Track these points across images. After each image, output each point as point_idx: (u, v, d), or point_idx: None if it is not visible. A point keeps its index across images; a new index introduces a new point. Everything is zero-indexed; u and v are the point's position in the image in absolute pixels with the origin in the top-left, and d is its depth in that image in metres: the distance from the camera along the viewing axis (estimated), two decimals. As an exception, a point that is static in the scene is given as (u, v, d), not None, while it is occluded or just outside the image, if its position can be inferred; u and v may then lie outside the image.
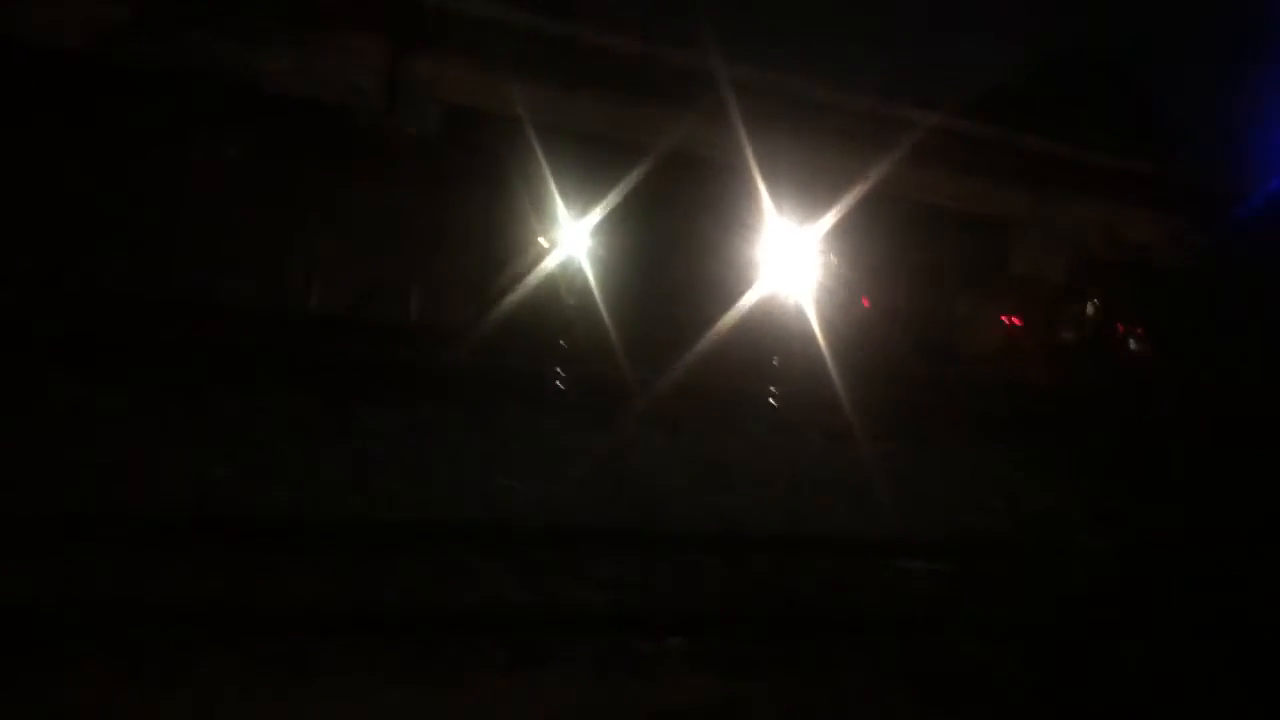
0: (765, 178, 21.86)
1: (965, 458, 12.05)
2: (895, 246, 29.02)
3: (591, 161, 22.17)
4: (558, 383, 16.15)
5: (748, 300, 28.15)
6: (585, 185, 23.27)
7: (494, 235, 24.07)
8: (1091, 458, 9.54)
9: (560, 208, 24.49)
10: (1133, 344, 44.40)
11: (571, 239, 26.76)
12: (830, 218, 23.63)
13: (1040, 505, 9.42)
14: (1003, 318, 30.33)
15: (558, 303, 28.89)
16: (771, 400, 17.01)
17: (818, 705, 4.83)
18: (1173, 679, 2.87)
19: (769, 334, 28.87)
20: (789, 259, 29.37)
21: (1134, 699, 3.00)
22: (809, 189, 23.45)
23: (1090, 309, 46.49)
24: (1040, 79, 35.14)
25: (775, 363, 24.13)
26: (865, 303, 35.23)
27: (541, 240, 27.48)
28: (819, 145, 22.12)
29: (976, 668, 5.25)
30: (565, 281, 29.27)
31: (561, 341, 22.80)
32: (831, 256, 35.42)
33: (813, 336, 23.70)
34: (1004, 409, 19.18)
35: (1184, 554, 2.83)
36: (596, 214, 23.54)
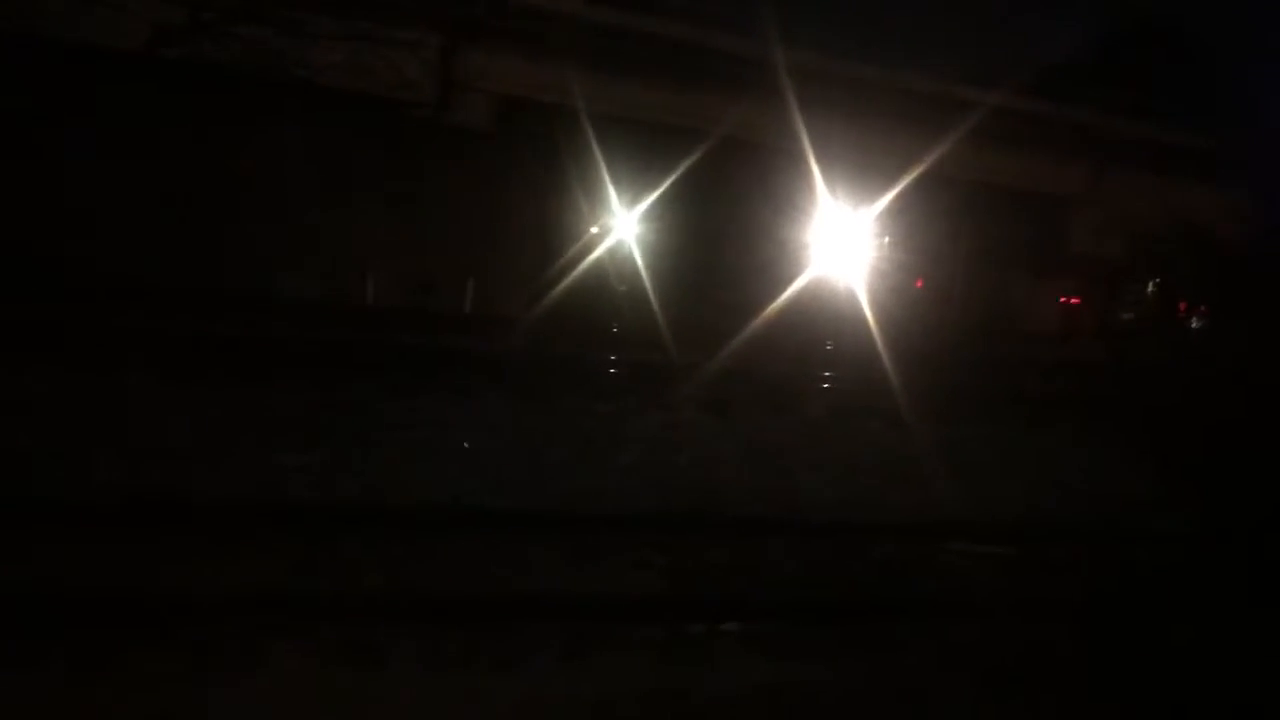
0: (820, 161, 21.70)
1: (1025, 440, 11.88)
2: (952, 227, 28.70)
3: (644, 148, 22.20)
4: (610, 370, 16.24)
5: (801, 284, 28.03)
6: (638, 172, 23.32)
7: (547, 224, 24.26)
8: (1156, 440, 9.34)
9: (613, 195, 24.56)
10: (1195, 322, 43.41)
11: (624, 226, 26.84)
12: (885, 200, 23.42)
13: (1104, 488, 9.29)
14: (1061, 297, 29.82)
15: (610, 289, 29.01)
16: (825, 384, 16.89)
17: (877, 689, 4.83)
18: (1234, 663, 2.83)
19: (823, 318, 28.73)
20: (843, 242, 29.18)
21: (1196, 683, 2.97)
22: (864, 171, 23.25)
23: (1151, 287, 45.53)
24: (1099, 54, 34.39)
25: (829, 346, 23.98)
26: (920, 284, 34.86)
27: (594, 228, 27.58)
28: (873, 127, 21.91)
29: (1038, 651, 5.21)
30: (617, 268, 29.39)
31: (614, 327, 22.91)
32: (886, 239, 35.10)
33: (866, 320, 23.50)
34: (1063, 390, 18.88)
35: (1251, 539, 2.79)
36: (649, 200, 23.58)
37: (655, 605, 5.63)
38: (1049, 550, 7.23)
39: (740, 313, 20.76)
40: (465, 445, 8.94)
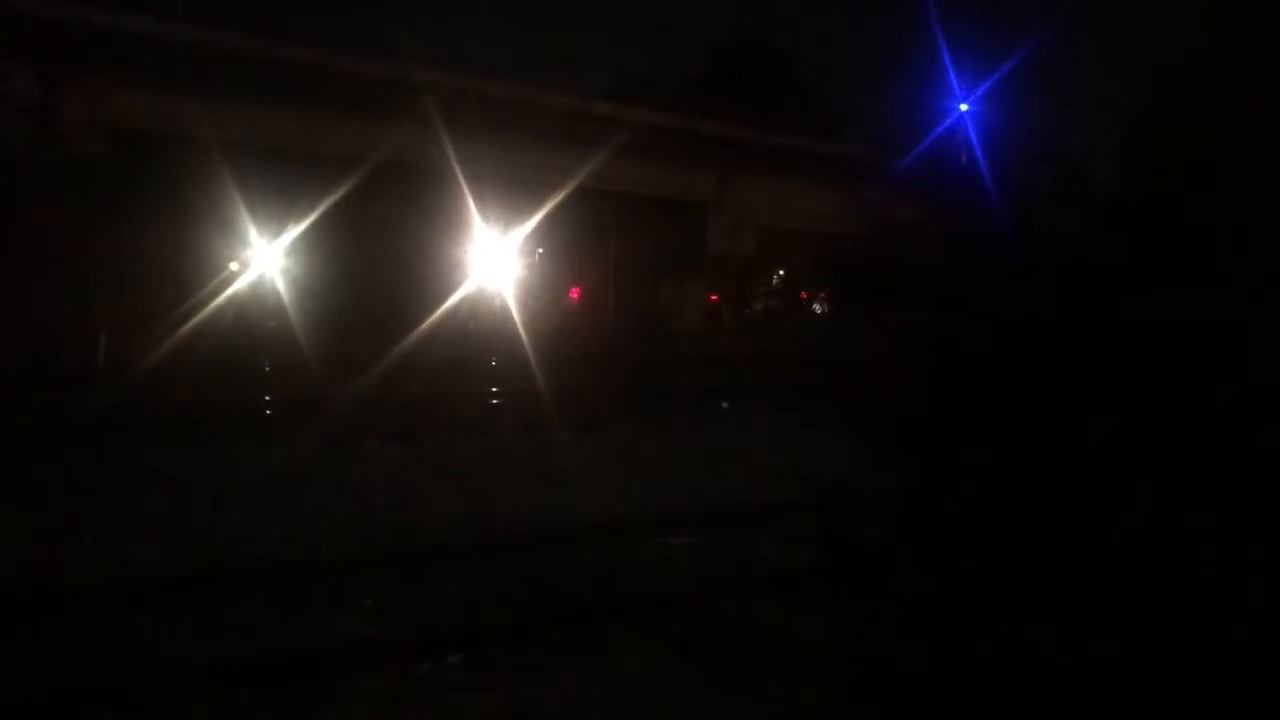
0: (469, 180, 21.71)
1: (703, 429, 12.59)
2: (601, 238, 29.91)
3: (289, 177, 21.07)
4: (271, 410, 15.31)
5: (459, 304, 27.94)
6: (284, 201, 22.07)
7: (186, 263, 22.28)
8: (817, 413, 10.19)
9: (255, 228, 23.11)
10: (817, 308, 48.42)
11: (270, 259, 25.32)
12: (535, 216, 23.90)
13: (787, 463, 10.00)
14: (708, 295, 32.06)
15: (259, 325, 27.31)
16: (498, 400, 16.99)
17: (605, 694, 4.86)
18: (953, 603, 3.16)
19: (484, 335, 28.82)
20: (497, 260, 29.47)
21: (924, 631, 3.27)
22: (514, 189, 23.59)
23: (775, 280, 50.30)
24: (718, 69, 37.43)
25: (494, 363, 24.11)
26: (575, 295, 36.04)
27: (234, 264, 25.81)
28: (522, 144, 22.24)
29: (754, 632, 5.48)
30: (264, 303, 27.70)
31: (266, 366, 21.57)
32: (539, 253, 35.88)
33: (528, 334, 23.88)
34: (721, 379, 20.30)
35: (947, 491, 3.13)
36: (297, 230, 22.41)
37: (376, 650, 5.33)
38: (751, 529, 7.69)
39: (400, 338, 20.34)
40: (117, 508, 8.00)
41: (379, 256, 26.95)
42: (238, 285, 23.88)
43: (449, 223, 26.34)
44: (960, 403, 3.58)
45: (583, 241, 30.81)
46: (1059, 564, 2.80)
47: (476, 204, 23.76)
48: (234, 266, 25.79)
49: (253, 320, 27.15)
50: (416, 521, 7.98)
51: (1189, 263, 2.65)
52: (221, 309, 21.95)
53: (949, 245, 4.35)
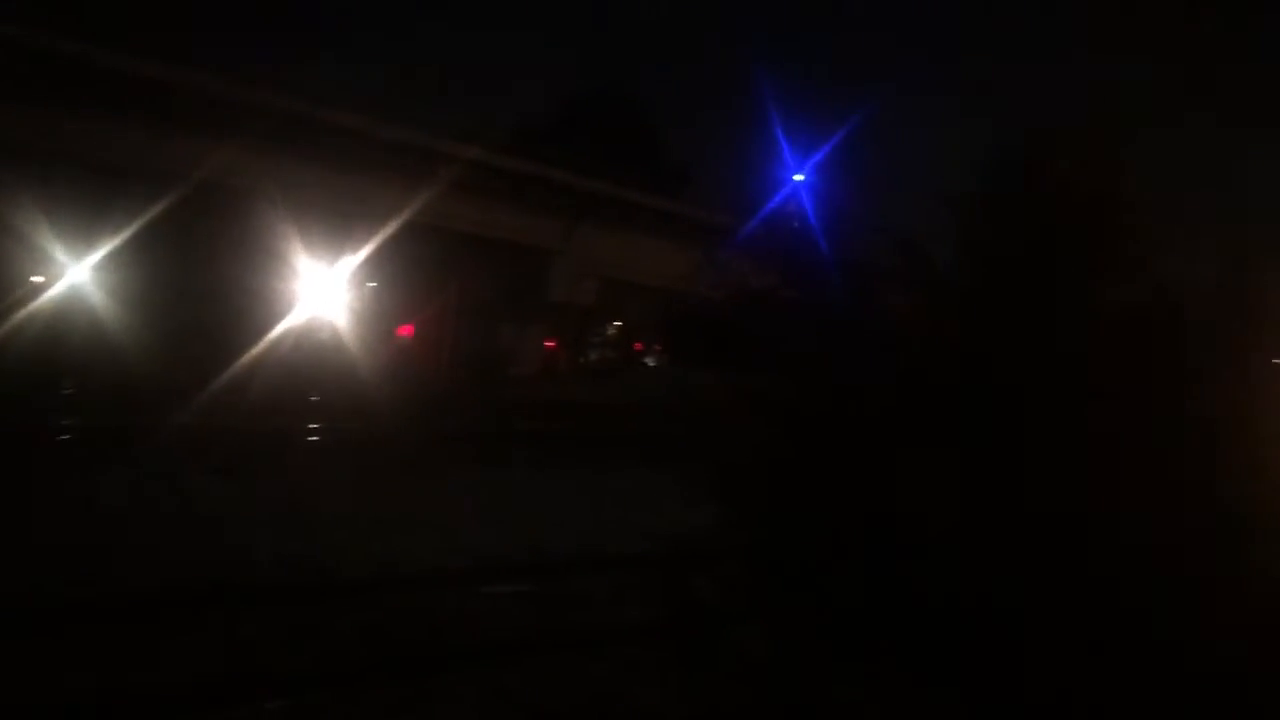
0: (298, 206, 21.05)
1: (541, 478, 12.54)
2: (439, 276, 29.49)
3: (98, 191, 19.85)
4: (73, 437, 14.30)
5: (282, 334, 26.94)
6: (93, 217, 20.75)
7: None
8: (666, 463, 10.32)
9: (59, 242, 21.65)
10: (650, 360, 49.27)
11: (78, 275, 23.72)
12: (368, 248, 23.34)
13: (615, 516, 10.07)
14: (544, 341, 32.05)
15: (62, 345, 25.52)
16: (319, 437, 16.43)
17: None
18: (792, 656, 3.29)
19: (307, 367, 27.81)
20: (327, 290, 28.57)
21: (762, 678, 3.38)
22: (348, 219, 23.01)
23: (612, 330, 50.95)
24: (573, 119, 37.90)
25: (314, 399, 23.26)
26: (407, 331, 35.34)
27: (36, 278, 24.07)
28: (357, 175, 21.75)
29: (585, 682, 5.50)
30: (66, 322, 25.88)
31: (66, 390, 20.16)
32: (371, 286, 35.08)
33: (351, 369, 23.21)
34: (566, 427, 20.29)
35: (797, 545, 3.26)
36: (107, 247, 21.10)
37: (189, 700, 5.05)
38: (580, 580, 7.70)
39: (217, 365, 19.42)
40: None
41: (198, 279, 25.70)
42: (40, 300, 22.30)
43: (275, 250, 25.40)
44: (803, 463, 3.76)
45: (420, 279, 30.34)
46: (891, 620, 2.99)
47: (305, 232, 23.01)
48: (37, 279, 24.09)
49: (57, 339, 25.41)
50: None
51: (1018, 342, 2.92)
52: (20, 325, 20.44)
53: (793, 312, 4.55)
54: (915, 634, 2.91)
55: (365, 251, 23.65)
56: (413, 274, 29.55)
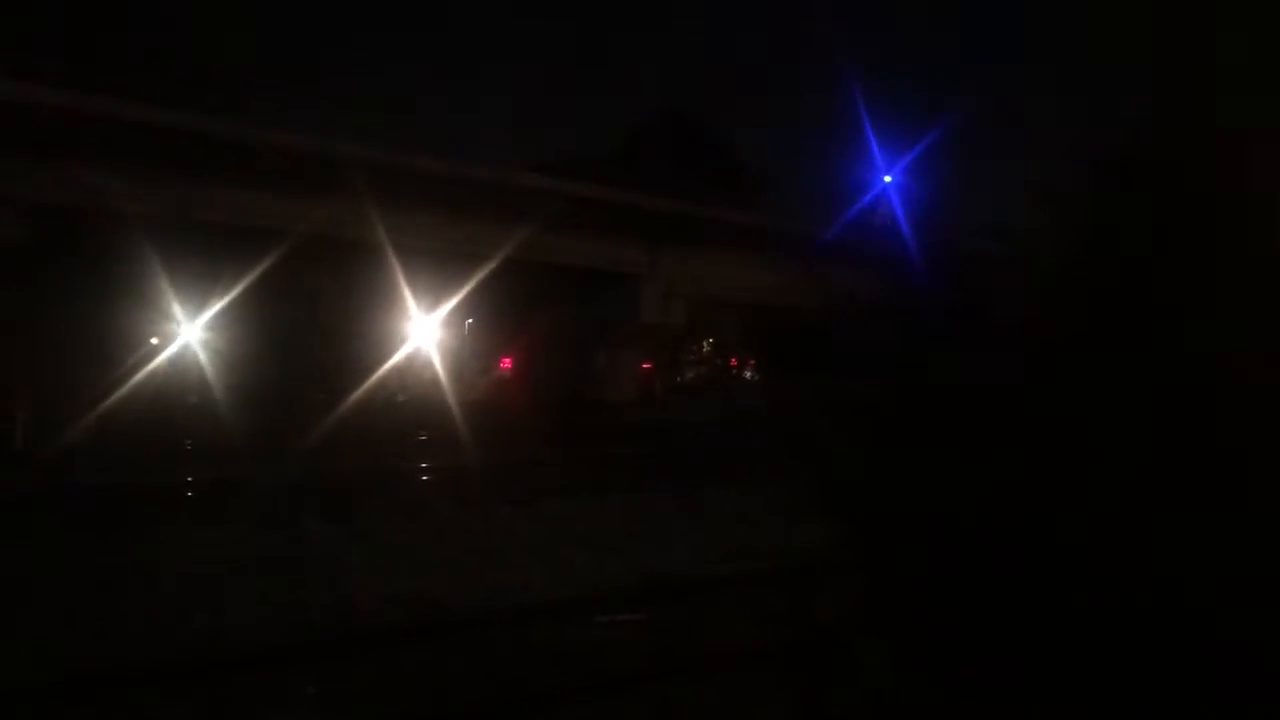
0: (398, 252, 21.53)
1: (650, 504, 12.49)
2: (533, 308, 29.83)
3: (211, 249, 20.68)
4: (195, 491, 14.80)
5: (389, 377, 27.62)
6: (206, 275, 21.65)
7: (105, 339, 21.60)
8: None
9: (176, 301, 22.64)
10: (748, 374, 48.86)
11: (192, 333, 24.76)
12: (465, 288, 23.76)
13: (741, 538, 9.96)
14: (641, 364, 32.07)
15: (181, 402, 26.62)
16: (431, 476, 16.66)
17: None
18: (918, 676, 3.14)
19: (415, 408, 28.43)
20: (428, 331, 29.23)
21: (886, 699, 3.25)
22: (445, 260, 23.46)
23: (705, 348, 50.75)
24: (648, 140, 38.10)
25: (423, 438, 23.66)
26: (507, 364, 35.82)
27: (154, 339, 25.21)
28: (450, 217, 22.11)
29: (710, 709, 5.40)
30: (185, 379, 27.00)
31: (188, 443, 20.91)
32: (469, 323, 35.72)
33: (459, 405, 23.57)
34: (655, 449, 20.25)
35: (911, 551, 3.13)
36: (219, 304, 21.98)
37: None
38: (683, 608, 7.60)
39: (327, 411, 19.96)
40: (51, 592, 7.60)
41: (307, 330, 26.57)
42: (159, 360, 23.30)
43: (378, 295, 26.11)
44: (920, 472, 3.60)
45: (514, 311, 30.73)
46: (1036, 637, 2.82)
47: (405, 276, 23.59)
48: (154, 341, 25.21)
49: (175, 396, 26.53)
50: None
51: (1147, 337, 2.73)
52: (142, 385, 21.34)
53: (901, 317, 4.38)
54: (1078, 659, 2.73)
55: (464, 291, 24.10)
56: (508, 309, 29.98)
